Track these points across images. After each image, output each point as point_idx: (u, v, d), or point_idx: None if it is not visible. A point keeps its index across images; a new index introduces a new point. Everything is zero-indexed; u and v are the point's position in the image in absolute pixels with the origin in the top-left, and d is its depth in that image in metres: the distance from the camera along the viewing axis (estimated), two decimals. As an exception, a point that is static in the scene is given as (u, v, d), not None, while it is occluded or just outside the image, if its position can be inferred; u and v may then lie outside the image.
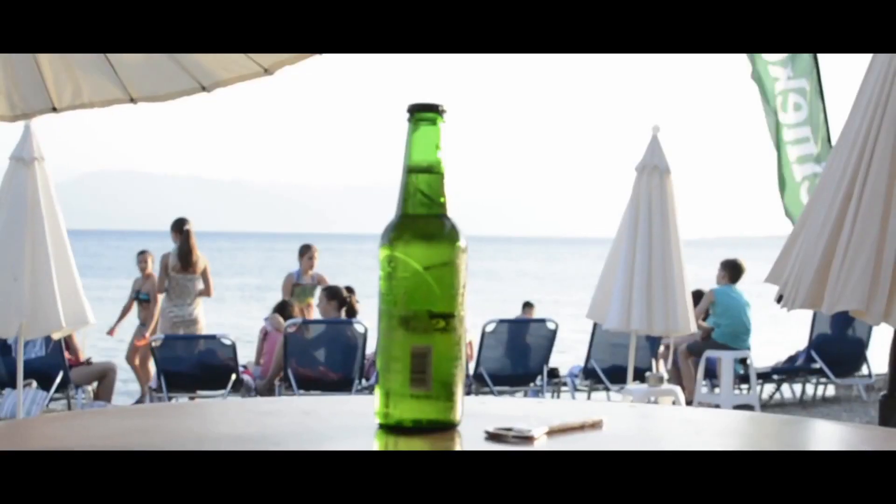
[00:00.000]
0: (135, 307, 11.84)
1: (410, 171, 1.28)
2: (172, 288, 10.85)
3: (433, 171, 1.27)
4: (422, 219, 1.27)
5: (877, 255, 4.73)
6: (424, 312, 1.24)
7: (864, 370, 11.42)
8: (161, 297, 11.09)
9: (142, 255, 11.74)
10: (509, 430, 1.23)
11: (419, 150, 1.28)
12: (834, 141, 5.39)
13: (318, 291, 10.95)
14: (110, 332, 12.04)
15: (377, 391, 1.27)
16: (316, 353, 9.80)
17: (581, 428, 1.29)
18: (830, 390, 12.33)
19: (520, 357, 10.42)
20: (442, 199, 1.27)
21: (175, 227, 10.99)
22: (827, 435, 1.43)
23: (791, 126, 8.77)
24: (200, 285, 10.99)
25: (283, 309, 10.56)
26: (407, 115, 1.28)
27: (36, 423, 1.35)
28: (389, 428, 1.25)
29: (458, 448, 1.22)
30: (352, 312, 10.40)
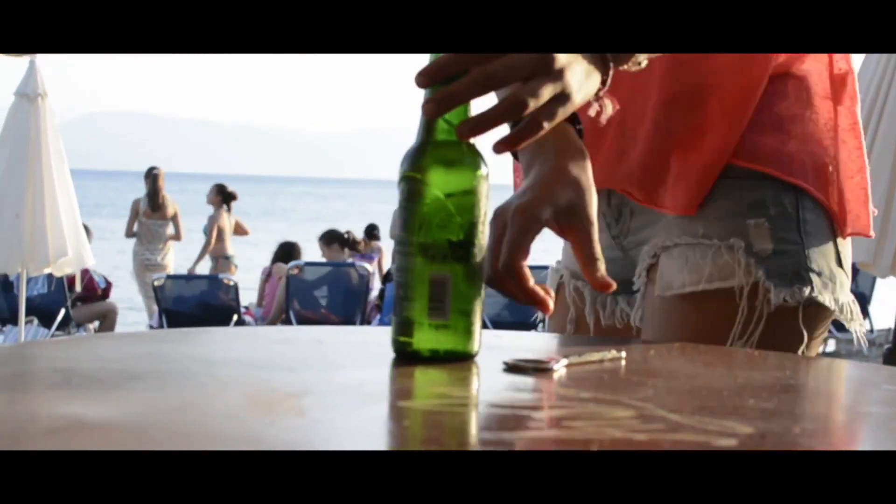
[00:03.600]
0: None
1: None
2: (144, 233, 11.56)
3: (456, 95, 1.24)
4: (443, 145, 1.23)
5: (885, 207, 4.72)
6: (444, 240, 1.21)
7: (867, 325, 11.42)
8: (133, 242, 11.70)
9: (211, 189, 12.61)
10: (528, 361, 1.20)
11: (442, 74, 1.24)
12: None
13: None
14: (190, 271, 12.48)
15: (393, 319, 1.25)
16: (318, 295, 9.81)
17: (601, 362, 1.26)
18: (831, 345, 12.33)
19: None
20: (464, 125, 1.24)
21: (145, 174, 11.84)
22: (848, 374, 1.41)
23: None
24: (171, 230, 11.73)
25: (286, 251, 10.55)
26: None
27: (43, 345, 1.33)
28: (406, 357, 1.23)
29: (475, 377, 1.20)
30: (354, 247, 10.39)
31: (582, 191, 1.38)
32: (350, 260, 10.57)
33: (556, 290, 1.82)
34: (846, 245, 1.64)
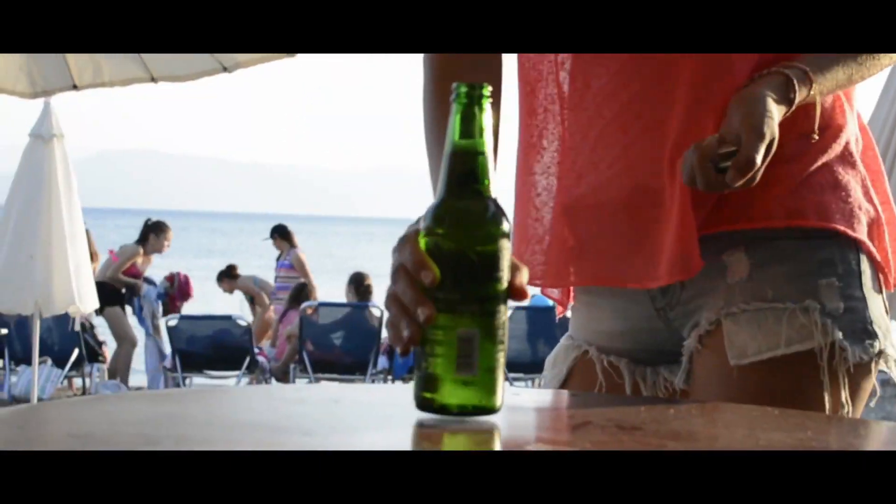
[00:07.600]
0: None
1: (453, 152, 1.23)
2: None
3: (477, 152, 1.22)
4: (465, 201, 1.22)
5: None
6: (470, 297, 1.20)
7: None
8: None
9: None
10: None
11: (462, 131, 1.23)
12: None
13: None
14: None
15: (416, 375, 1.22)
16: (331, 337, 9.77)
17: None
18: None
19: (536, 344, 10.31)
20: (486, 182, 1.22)
21: None
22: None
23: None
24: None
25: (300, 292, 10.53)
26: (452, 95, 1.23)
27: (59, 406, 1.31)
28: (431, 412, 1.21)
29: (498, 443, 1.18)
30: (365, 296, 10.35)
31: None
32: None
33: (571, 365, 1.74)
34: (886, 297, 1.65)
